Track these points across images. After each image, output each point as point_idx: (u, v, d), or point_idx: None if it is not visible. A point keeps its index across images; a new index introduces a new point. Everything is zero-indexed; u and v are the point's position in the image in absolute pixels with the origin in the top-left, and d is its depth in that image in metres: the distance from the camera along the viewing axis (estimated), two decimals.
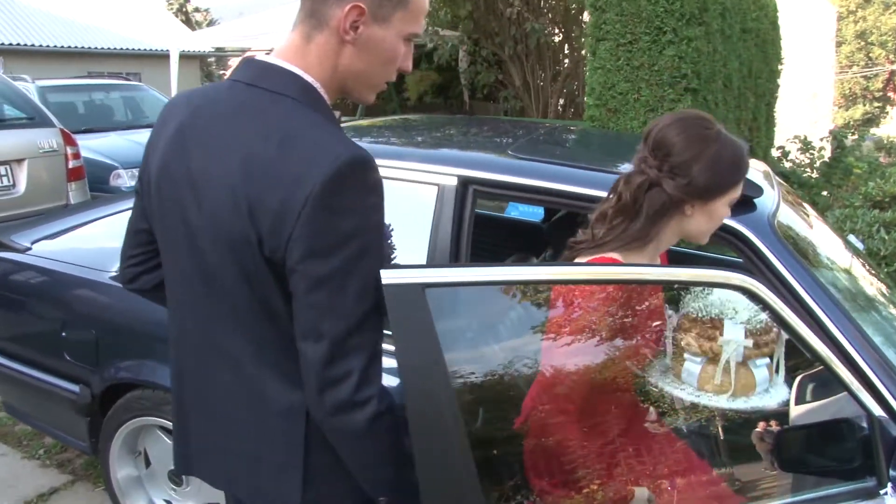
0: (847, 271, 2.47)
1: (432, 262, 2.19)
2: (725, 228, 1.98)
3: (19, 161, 5.27)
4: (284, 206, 1.25)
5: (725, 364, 1.67)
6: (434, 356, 1.38)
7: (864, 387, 1.62)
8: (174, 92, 12.24)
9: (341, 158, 1.26)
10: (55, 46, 17.74)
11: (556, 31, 10.61)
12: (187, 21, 31.82)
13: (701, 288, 1.69)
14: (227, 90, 1.41)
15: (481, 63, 11.62)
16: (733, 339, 1.66)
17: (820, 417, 1.77)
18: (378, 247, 1.32)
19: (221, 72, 24.70)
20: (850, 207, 5.22)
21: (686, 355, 1.71)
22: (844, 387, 1.58)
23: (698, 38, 5.82)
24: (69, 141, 5.47)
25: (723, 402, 1.65)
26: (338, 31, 1.34)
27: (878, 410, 1.61)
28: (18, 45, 16.96)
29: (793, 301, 1.90)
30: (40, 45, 17.49)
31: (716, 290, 1.68)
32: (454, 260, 2.28)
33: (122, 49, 19.01)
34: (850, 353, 1.81)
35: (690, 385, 1.69)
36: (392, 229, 1.76)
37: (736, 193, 1.78)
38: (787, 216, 2.31)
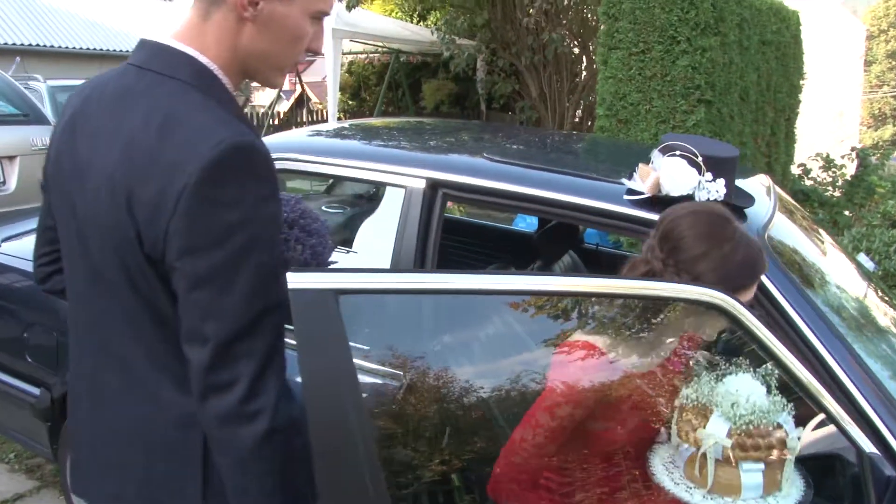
0: (849, 293, 2.28)
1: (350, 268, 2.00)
2: None
3: (10, 158, 5.21)
4: (161, 197, 1.14)
5: (702, 458, 1.46)
6: (344, 372, 1.22)
7: (857, 420, 1.45)
8: None
9: (224, 143, 1.14)
10: (75, 48, 17.75)
11: (574, 41, 10.43)
12: None
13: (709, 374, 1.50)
14: (118, 75, 1.30)
15: (498, 73, 11.47)
16: (713, 433, 1.44)
17: (811, 448, 1.60)
18: (270, 243, 1.20)
19: (255, 84, 24.61)
20: (867, 226, 5.01)
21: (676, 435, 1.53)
22: (831, 419, 1.41)
23: (713, 48, 5.64)
24: None
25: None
26: (236, 7, 1.23)
27: (869, 447, 1.44)
28: (38, 45, 16.96)
29: (780, 319, 1.75)
30: (60, 47, 17.53)
31: (727, 380, 1.48)
32: (419, 266, 2.14)
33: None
34: (842, 381, 1.66)
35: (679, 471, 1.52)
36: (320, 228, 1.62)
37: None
38: (783, 230, 2.14)
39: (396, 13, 13.65)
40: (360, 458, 1.22)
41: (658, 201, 1.89)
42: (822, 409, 1.40)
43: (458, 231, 3.52)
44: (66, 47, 17.65)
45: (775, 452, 1.39)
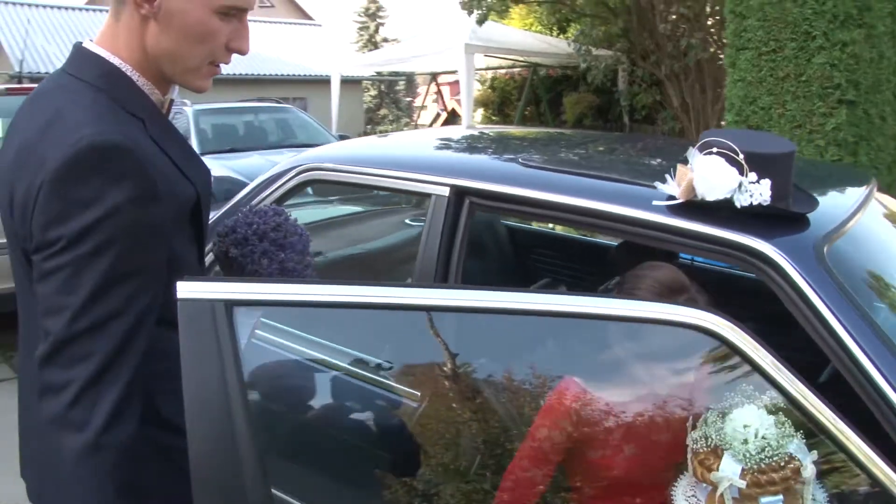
0: None
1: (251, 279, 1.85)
2: (746, 249, 1.53)
3: None
4: (27, 194, 1.13)
5: (721, 498, 1.35)
6: (232, 391, 1.10)
7: None
8: (335, 115, 12.61)
9: (83, 141, 1.11)
10: (228, 74, 18.85)
11: (716, 47, 9.84)
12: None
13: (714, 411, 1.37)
14: (48, 80, 1.31)
15: (639, 83, 11.04)
16: (727, 475, 1.34)
17: None
18: (127, 248, 1.12)
19: (409, 98, 25.27)
20: None
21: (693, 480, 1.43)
22: (848, 455, 1.14)
23: (856, 42, 5.07)
24: None
25: None
26: (135, 4, 1.21)
27: None
28: None
29: (839, 352, 1.43)
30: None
31: (734, 415, 1.35)
32: (441, 280, 1.96)
33: (289, 75, 19.99)
34: None
35: None
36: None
37: None
38: (862, 245, 1.79)
39: (536, 27, 13.50)
40: (246, 487, 1.07)
41: (694, 207, 1.63)
42: (853, 459, 1.14)
43: (525, 243, 3.31)
44: (221, 74, 18.68)
45: (791, 483, 1.29)
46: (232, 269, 1.62)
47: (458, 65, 10.00)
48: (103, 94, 1.22)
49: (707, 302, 1.74)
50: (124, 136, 1.15)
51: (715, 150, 1.61)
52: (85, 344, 1.08)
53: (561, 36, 12.71)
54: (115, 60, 1.24)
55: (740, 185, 1.58)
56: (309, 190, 2.77)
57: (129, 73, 1.25)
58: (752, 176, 1.58)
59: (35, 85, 7.24)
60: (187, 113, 8.86)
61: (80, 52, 1.26)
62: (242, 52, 1.34)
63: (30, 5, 19.28)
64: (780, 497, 1.31)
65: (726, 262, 1.61)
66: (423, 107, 19.29)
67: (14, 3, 18.96)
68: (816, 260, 1.52)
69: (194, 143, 8.15)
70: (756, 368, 1.16)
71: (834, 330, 1.43)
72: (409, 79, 14.23)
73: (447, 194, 1.99)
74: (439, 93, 15.09)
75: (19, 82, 10.88)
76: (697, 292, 1.77)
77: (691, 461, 1.41)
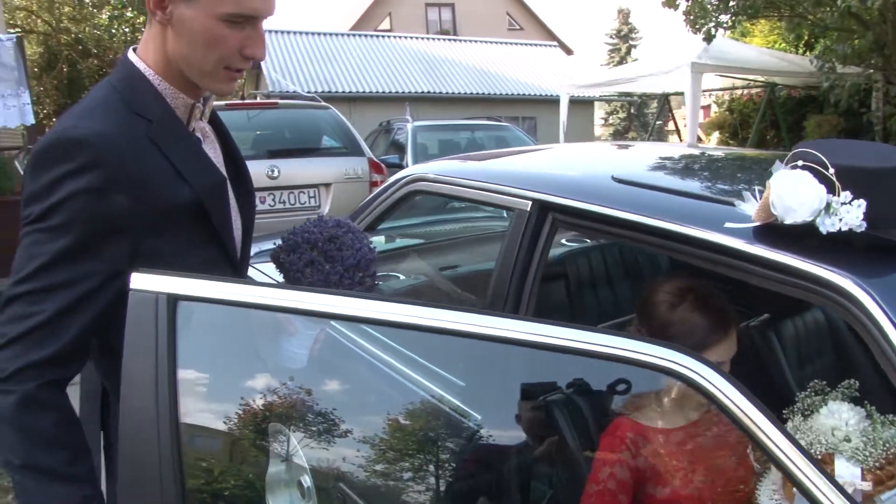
0: None
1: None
2: (826, 283, 1.26)
3: (327, 185, 5.83)
4: None
5: None
6: (166, 380, 1.12)
7: None
8: (562, 135, 12.56)
9: (55, 133, 1.23)
10: (459, 93, 19.63)
11: None
12: None
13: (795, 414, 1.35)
14: None
15: (893, 103, 9.90)
16: (849, 480, 1.23)
17: None
18: (82, 233, 1.20)
19: (660, 121, 24.52)
20: None
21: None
22: None
23: None
24: (377, 169, 5.88)
25: None
26: (153, 12, 1.29)
27: None
28: (428, 92, 19.15)
29: None
30: (446, 92, 19.52)
31: (821, 416, 1.31)
32: (512, 300, 1.83)
33: (518, 95, 20.19)
34: None
35: None
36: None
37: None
38: None
39: (779, 44, 12.56)
40: (166, 481, 1.09)
41: (774, 231, 1.37)
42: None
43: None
44: (453, 92, 19.57)
45: None
46: (282, 274, 1.62)
47: (684, 85, 9.54)
48: (117, 94, 1.31)
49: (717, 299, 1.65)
50: (96, 132, 1.21)
51: (801, 162, 1.35)
52: (22, 306, 1.18)
53: (807, 53, 11.71)
54: (141, 66, 1.34)
55: (828, 207, 1.30)
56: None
57: (150, 78, 1.33)
58: (846, 195, 1.29)
59: (267, 101, 7.91)
60: (407, 128, 9.23)
61: (122, 57, 1.38)
62: (258, 59, 1.36)
63: (292, 32, 21.19)
64: None
65: (806, 298, 1.33)
66: (674, 130, 18.62)
67: (278, 32, 20.88)
68: None
69: (410, 157, 8.47)
70: (730, 416, 0.94)
71: None
72: (668, 100, 13.78)
73: (528, 209, 1.85)
74: (671, 114, 14.48)
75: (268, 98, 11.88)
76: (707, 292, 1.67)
77: (764, 483, 1.33)
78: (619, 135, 38.85)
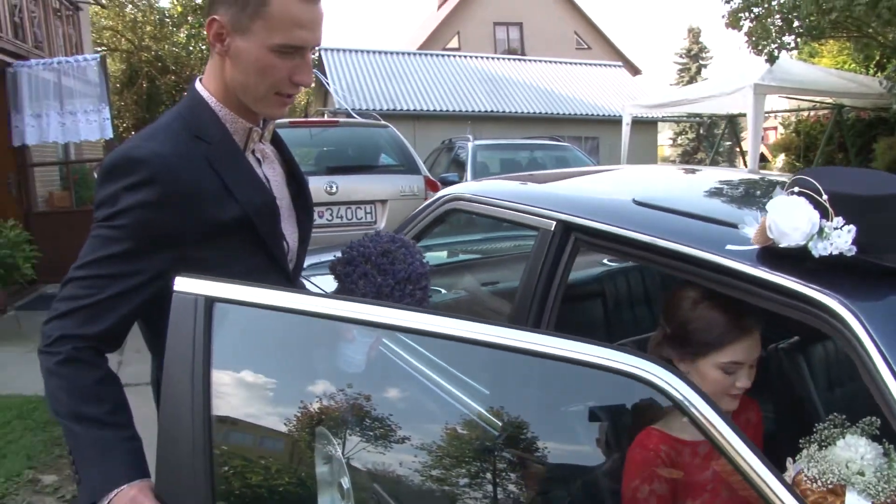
0: None
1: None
2: (816, 304, 1.34)
3: (383, 202, 6.02)
4: None
5: None
6: (201, 374, 1.26)
7: None
8: (624, 154, 12.56)
9: (119, 150, 1.40)
10: (522, 112, 19.75)
11: None
12: None
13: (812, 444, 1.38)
14: None
15: None
16: None
17: None
18: (134, 240, 1.37)
19: (729, 142, 24.15)
20: None
21: None
22: None
23: None
24: (432, 187, 6.02)
25: None
26: (213, 44, 1.45)
27: None
28: (491, 111, 19.39)
29: None
30: (509, 111, 19.67)
31: (837, 448, 1.34)
32: (535, 315, 1.92)
33: (581, 114, 20.21)
34: None
35: None
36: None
37: (724, 357, 1.63)
38: None
39: (849, 65, 12.33)
40: (198, 472, 1.23)
41: (773, 253, 1.45)
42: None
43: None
44: (515, 112, 19.69)
45: None
46: (338, 285, 1.74)
47: (746, 106, 9.47)
48: (181, 119, 1.48)
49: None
50: (155, 153, 1.38)
51: (797, 189, 1.43)
52: (74, 289, 1.36)
53: (878, 74, 11.47)
54: (205, 94, 1.50)
55: (821, 231, 1.38)
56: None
57: (211, 104, 1.49)
58: (838, 221, 1.37)
59: (329, 119, 8.15)
60: (468, 147, 9.39)
61: (190, 85, 1.55)
62: (305, 85, 1.51)
63: (361, 51, 21.64)
64: None
65: (800, 318, 1.40)
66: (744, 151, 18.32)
67: (347, 51, 21.36)
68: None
69: (469, 175, 8.62)
70: (698, 426, 1.02)
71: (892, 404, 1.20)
72: (733, 121, 13.64)
73: (552, 228, 1.95)
74: (736, 136, 14.31)
75: (334, 117, 12.20)
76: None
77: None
78: (687, 155, 38.28)
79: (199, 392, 1.24)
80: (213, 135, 1.48)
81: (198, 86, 1.53)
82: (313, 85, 22.45)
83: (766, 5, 9.30)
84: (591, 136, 19.83)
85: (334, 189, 5.89)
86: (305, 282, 3.24)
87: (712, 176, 2.52)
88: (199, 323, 1.26)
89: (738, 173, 2.54)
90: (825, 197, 1.38)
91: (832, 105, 11.94)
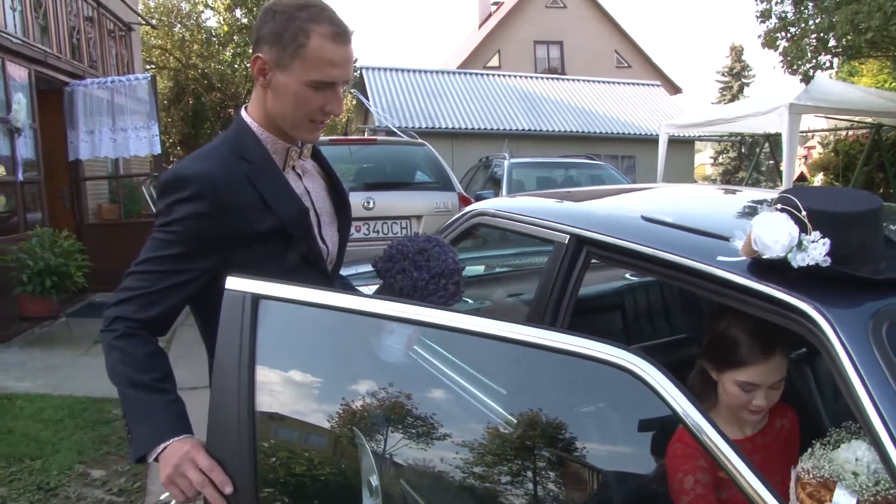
0: None
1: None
2: (794, 309, 1.48)
3: (418, 217, 6.22)
4: None
5: None
6: (247, 368, 1.43)
7: None
8: (660, 173, 12.62)
9: (174, 168, 1.66)
10: (559, 130, 19.98)
11: None
12: None
13: (821, 443, 1.49)
14: None
15: None
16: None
17: None
18: (183, 245, 1.60)
19: (771, 161, 24.04)
20: None
21: None
22: None
23: None
24: (465, 203, 6.18)
25: None
26: (256, 77, 1.67)
27: None
28: (528, 130, 19.70)
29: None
30: (547, 130, 19.92)
31: (842, 449, 1.46)
32: (548, 321, 2.08)
33: (618, 133, 20.38)
34: None
35: None
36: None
37: (741, 376, 1.79)
38: None
39: (889, 83, 12.27)
40: (244, 461, 1.41)
41: (758, 265, 1.60)
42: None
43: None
44: (552, 130, 19.94)
45: None
46: (380, 280, 1.93)
47: (781, 127, 9.51)
48: (227, 143, 1.71)
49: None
50: (202, 172, 1.60)
51: (780, 205, 1.57)
52: (133, 281, 1.60)
53: None
54: (248, 120, 1.73)
55: (800, 244, 1.52)
56: None
57: (254, 129, 1.72)
58: (815, 235, 1.51)
59: (367, 137, 8.39)
60: (504, 165, 9.57)
61: (237, 114, 1.78)
62: (336, 114, 1.73)
63: (401, 70, 21.99)
64: None
65: (783, 323, 1.54)
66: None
67: (388, 70, 21.74)
68: (869, 332, 1.41)
69: (505, 193, 8.79)
70: (673, 412, 1.18)
71: (866, 414, 1.32)
72: (771, 140, 13.65)
73: (566, 241, 2.11)
74: (773, 154, 14.28)
75: (374, 134, 12.47)
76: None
77: (796, 492, 1.48)
78: (728, 174, 38.05)
79: (245, 383, 1.43)
80: (255, 155, 1.69)
81: (243, 113, 1.75)
82: (354, 103, 22.99)
83: (802, 25, 9.35)
84: (628, 154, 19.90)
85: (371, 205, 6.10)
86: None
87: (723, 194, 2.67)
88: (247, 318, 1.44)
89: (749, 192, 2.67)
90: (804, 213, 1.53)
91: (871, 124, 11.90)
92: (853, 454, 1.44)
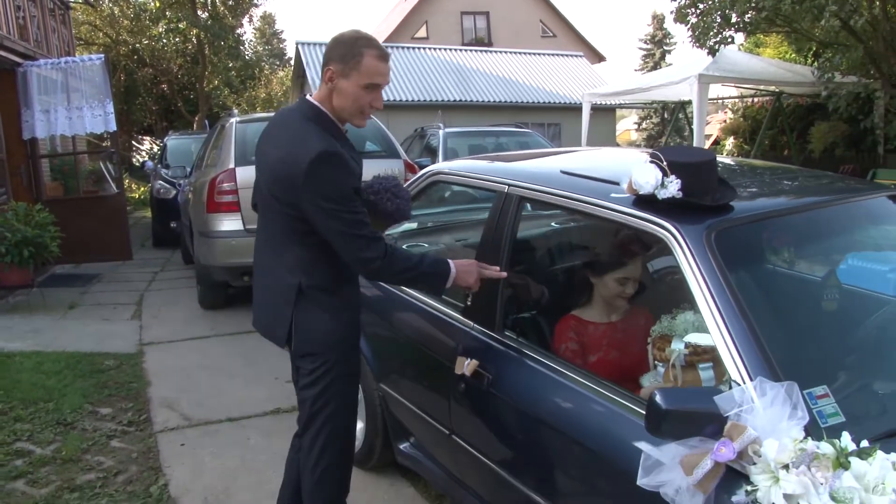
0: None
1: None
2: (660, 225, 2.23)
3: None
4: (291, 174, 2.32)
5: (672, 368, 2.30)
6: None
7: None
8: (584, 139, 13.46)
9: (316, 150, 2.28)
10: (489, 101, 20.86)
11: None
12: None
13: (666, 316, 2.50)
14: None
15: (894, 112, 10.66)
16: (675, 348, 2.32)
17: None
18: (350, 200, 2.33)
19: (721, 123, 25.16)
20: None
21: (654, 362, 2.46)
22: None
23: None
24: (411, 170, 6.88)
25: None
26: (326, 81, 2.41)
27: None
28: (459, 100, 20.56)
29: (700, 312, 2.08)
30: (477, 100, 20.80)
31: (679, 317, 2.45)
32: (491, 255, 2.81)
33: (544, 102, 21.39)
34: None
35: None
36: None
37: (620, 274, 2.70)
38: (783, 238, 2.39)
39: (790, 55, 13.35)
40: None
41: (639, 199, 2.35)
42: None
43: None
44: (482, 101, 20.77)
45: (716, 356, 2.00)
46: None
47: (692, 94, 10.43)
48: (313, 122, 2.40)
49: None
50: (334, 146, 2.30)
51: (650, 159, 2.34)
52: (354, 227, 2.32)
53: (815, 63, 12.50)
54: (320, 106, 2.43)
55: (663, 184, 2.29)
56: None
57: (328, 114, 2.42)
58: (672, 178, 2.28)
59: None
60: (439, 134, 10.27)
61: (305, 101, 2.46)
62: (378, 109, 2.46)
63: None
64: (711, 364, 2.21)
65: (653, 235, 2.28)
66: (708, 136, 19.27)
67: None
68: (703, 238, 2.17)
69: (441, 159, 9.50)
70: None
71: (696, 288, 2.09)
72: (678, 108, 14.65)
73: (506, 191, 2.83)
74: (687, 121, 15.32)
75: None
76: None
77: (651, 349, 2.41)
78: (652, 139, 39.34)
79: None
80: (333, 133, 2.40)
81: (315, 102, 2.43)
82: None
83: (708, 2, 10.23)
84: (554, 122, 20.82)
85: None
86: None
87: (622, 154, 3.45)
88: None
89: (638, 152, 3.44)
90: (665, 163, 2.30)
91: (773, 92, 12.96)
92: (684, 318, 2.38)
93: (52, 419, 4.40)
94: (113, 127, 8.85)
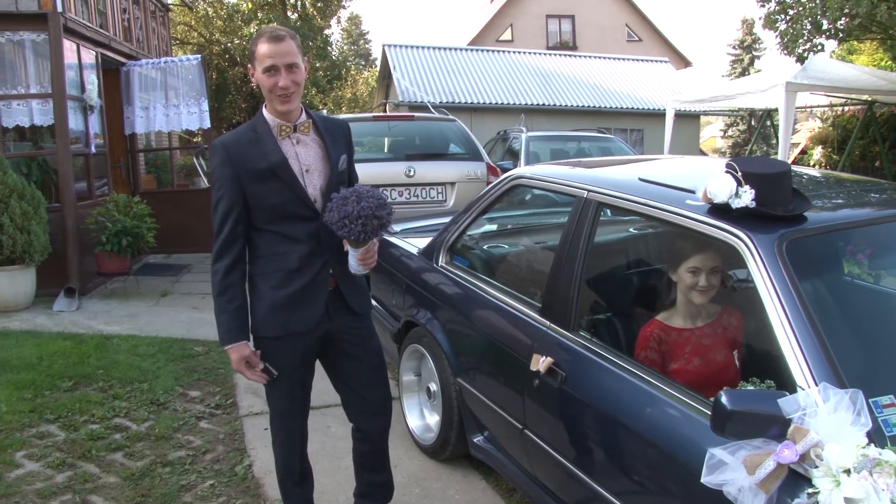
0: None
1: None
2: (733, 234, 2.30)
3: (452, 184, 7.08)
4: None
5: None
6: None
7: None
8: (667, 146, 13.34)
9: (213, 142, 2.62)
10: (572, 105, 20.76)
11: None
12: None
13: None
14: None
15: None
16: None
17: None
18: (219, 186, 2.58)
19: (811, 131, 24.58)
20: None
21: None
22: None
23: None
24: (493, 172, 7.06)
25: None
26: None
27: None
28: (543, 104, 20.50)
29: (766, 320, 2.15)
30: (560, 105, 20.72)
31: None
32: (569, 259, 2.91)
33: (628, 108, 21.16)
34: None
35: None
36: None
37: (690, 263, 2.67)
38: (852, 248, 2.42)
39: (886, 62, 12.93)
40: None
41: (713, 207, 2.43)
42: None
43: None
44: (565, 105, 20.69)
45: None
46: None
47: (777, 103, 10.24)
48: (250, 122, 2.63)
49: None
50: (223, 139, 2.58)
51: (726, 169, 2.41)
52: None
53: None
54: (264, 108, 2.63)
55: (736, 192, 2.36)
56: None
57: (263, 112, 2.61)
58: (746, 188, 2.34)
59: (405, 114, 9.20)
60: (522, 138, 10.38)
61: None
62: (283, 89, 2.51)
63: (421, 47, 22.68)
64: None
65: (727, 242, 2.34)
66: (796, 144, 18.73)
67: (409, 47, 22.46)
68: (775, 247, 2.23)
69: (523, 164, 9.60)
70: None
71: (763, 305, 2.15)
72: (765, 116, 14.38)
73: (585, 196, 2.93)
74: (773, 129, 14.99)
75: (396, 109, 13.23)
76: None
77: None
78: (738, 147, 38.53)
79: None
80: (261, 129, 2.58)
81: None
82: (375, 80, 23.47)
83: (798, 8, 10.03)
84: (637, 128, 20.63)
85: (412, 173, 6.97)
86: (401, 241, 4.34)
87: (702, 163, 3.50)
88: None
89: (716, 161, 3.49)
90: (740, 174, 2.36)
91: (865, 101, 12.57)
92: None
93: (146, 399, 4.69)
94: (207, 124, 9.24)
